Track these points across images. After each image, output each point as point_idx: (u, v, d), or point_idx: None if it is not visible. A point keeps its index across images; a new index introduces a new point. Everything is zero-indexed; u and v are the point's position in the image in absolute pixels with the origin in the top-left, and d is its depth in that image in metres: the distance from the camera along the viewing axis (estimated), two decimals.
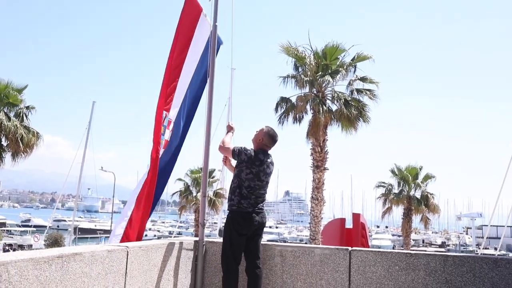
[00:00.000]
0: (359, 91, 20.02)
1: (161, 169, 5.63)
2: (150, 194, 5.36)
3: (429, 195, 27.81)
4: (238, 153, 4.74)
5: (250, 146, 4.96)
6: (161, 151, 5.52)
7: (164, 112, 5.39)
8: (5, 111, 21.71)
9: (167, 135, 5.60)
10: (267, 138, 4.89)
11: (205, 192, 5.38)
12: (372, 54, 20.03)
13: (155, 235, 54.83)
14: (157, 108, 5.29)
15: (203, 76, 5.88)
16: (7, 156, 21.79)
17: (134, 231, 5.26)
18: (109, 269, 3.75)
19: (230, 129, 5.29)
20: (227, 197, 4.87)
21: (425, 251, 27.81)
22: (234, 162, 4.98)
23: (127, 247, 4.05)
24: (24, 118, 22.21)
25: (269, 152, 4.96)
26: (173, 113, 5.66)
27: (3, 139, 21.50)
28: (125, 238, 5.17)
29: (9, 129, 20.81)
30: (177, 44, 5.48)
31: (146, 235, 59.43)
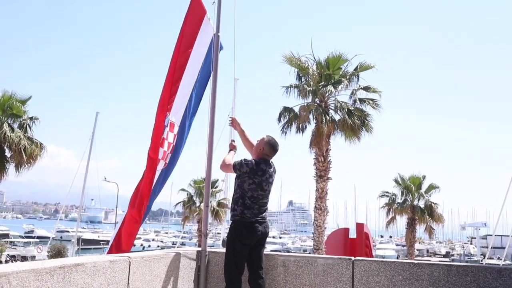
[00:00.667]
0: (362, 100, 20.04)
1: (164, 172, 5.65)
2: (145, 196, 5.34)
3: (433, 204, 27.70)
4: (239, 166, 4.73)
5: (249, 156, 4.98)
6: (167, 154, 5.54)
7: (166, 113, 5.40)
8: (9, 122, 21.80)
9: (170, 137, 5.60)
10: (268, 148, 4.90)
11: (207, 202, 5.38)
12: (375, 63, 20.09)
13: (158, 246, 54.71)
14: (158, 106, 5.28)
15: (203, 81, 5.90)
16: (11, 167, 21.84)
17: (126, 236, 5.25)
18: (111, 280, 3.74)
19: (232, 147, 5.30)
20: (230, 208, 4.86)
21: (429, 261, 27.61)
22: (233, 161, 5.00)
23: (129, 257, 4.04)
24: (28, 129, 22.28)
25: (271, 160, 4.96)
26: (177, 117, 5.66)
27: (6, 150, 21.56)
28: (115, 244, 5.18)
29: (12, 140, 20.87)
30: (181, 43, 5.50)
31: (149, 246, 59.67)
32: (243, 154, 5.25)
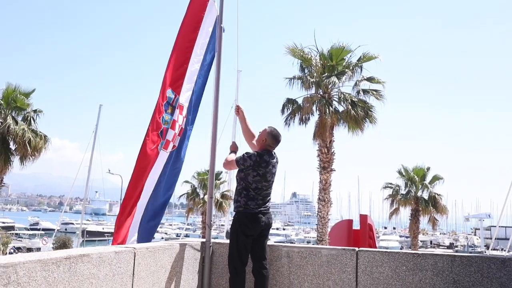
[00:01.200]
0: (365, 91, 19.98)
1: (175, 156, 5.65)
2: (140, 179, 5.27)
3: (436, 196, 27.63)
4: (242, 161, 4.74)
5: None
6: (176, 137, 5.55)
7: (173, 92, 5.39)
8: (13, 115, 21.84)
9: (180, 120, 5.59)
10: (270, 139, 4.90)
11: (211, 194, 5.40)
12: (379, 54, 20.00)
13: (162, 237, 54.90)
14: (161, 87, 5.26)
15: (208, 64, 5.87)
16: (15, 160, 21.91)
17: (120, 230, 5.21)
18: (117, 271, 3.76)
19: (234, 148, 5.28)
20: (233, 199, 4.87)
21: (433, 252, 27.63)
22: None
23: (134, 248, 4.06)
24: (32, 121, 22.30)
25: (273, 151, 4.96)
26: (184, 98, 5.66)
27: (11, 143, 21.62)
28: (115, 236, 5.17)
29: (16, 133, 20.91)
30: (186, 26, 5.49)
31: (153, 238, 59.64)
32: (245, 149, 5.25)
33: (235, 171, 5.01)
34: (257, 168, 4.69)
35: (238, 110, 5.38)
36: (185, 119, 5.68)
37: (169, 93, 5.34)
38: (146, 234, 5.59)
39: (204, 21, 5.72)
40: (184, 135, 5.73)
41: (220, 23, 5.57)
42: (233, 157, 5.05)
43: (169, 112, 5.36)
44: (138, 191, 5.27)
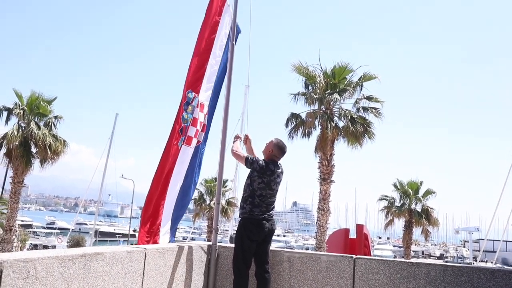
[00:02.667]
0: (365, 109, 19.96)
1: (199, 149, 5.68)
2: (167, 177, 5.28)
3: (429, 209, 27.44)
4: (251, 162, 4.74)
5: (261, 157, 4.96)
6: (199, 132, 5.58)
7: (192, 93, 5.41)
8: (36, 120, 21.96)
9: (201, 117, 5.62)
10: (276, 149, 4.89)
11: (219, 200, 5.38)
12: (378, 74, 20.02)
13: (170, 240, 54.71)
14: (183, 88, 5.30)
15: (224, 65, 5.88)
16: (36, 162, 21.98)
17: (145, 231, 5.21)
18: (128, 269, 3.75)
19: (237, 137, 5.29)
20: (239, 206, 4.86)
21: (426, 261, 27.37)
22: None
23: (145, 248, 4.05)
24: (53, 127, 22.41)
25: (279, 162, 4.95)
26: (205, 97, 5.69)
27: (32, 147, 21.73)
28: (139, 241, 5.16)
29: (38, 137, 21.01)
30: (206, 29, 5.52)
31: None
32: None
33: (240, 178, 5.01)
34: (262, 175, 4.68)
35: (246, 140, 5.33)
36: (206, 116, 5.72)
37: (189, 93, 5.37)
38: (174, 224, 5.67)
39: (221, 24, 5.75)
40: (207, 130, 5.79)
41: (232, 40, 5.59)
42: (240, 147, 5.05)
43: (189, 111, 5.39)
44: (161, 188, 5.27)
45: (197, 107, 5.47)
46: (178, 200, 5.55)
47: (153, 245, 4.56)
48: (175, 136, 5.27)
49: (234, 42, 5.58)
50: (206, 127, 5.76)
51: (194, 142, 5.56)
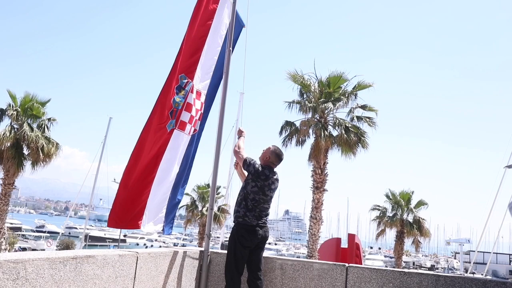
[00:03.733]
0: (359, 118, 20.02)
1: (196, 137, 5.63)
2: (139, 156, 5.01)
3: (421, 219, 27.52)
4: (248, 163, 4.76)
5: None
6: (195, 120, 5.53)
7: (186, 77, 5.36)
8: (29, 122, 21.83)
9: (197, 104, 5.58)
10: (273, 156, 4.90)
11: (212, 205, 5.36)
12: (373, 82, 20.11)
13: (160, 246, 54.46)
14: (170, 73, 5.16)
15: (220, 62, 5.83)
16: (27, 165, 21.83)
17: (117, 214, 4.98)
18: (119, 273, 3.71)
19: (240, 133, 5.29)
20: (233, 210, 4.84)
21: (418, 271, 27.41)
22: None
23: (137, 253, 4.02)
24: (46, 129, 22.30)
25: (275, 169, 4.95)
26: (203, 86, 5.66)
27: (24, 148, 21.58)
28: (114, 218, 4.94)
29: (31, 139, 20.89)
30: (199, 16, 5.43)
31: (152, 246, 59.33)
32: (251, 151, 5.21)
33: (234, 185, 5.00)
34: (256, 178, 4.69)
35: (237, 166, 5.25)
36: (203, 105, 5.69)
37: (182, 77, 5.32)
38: (170, 218, 5.56)
39: (219, 13, 5.68)
40: (203, 120, 5.76)
41: (229, 46, 5.59)
42: (243, 144, 5.07)
43: (181, 95, 5.33)
44: (145, 171, 5.07)
45: (192, 92, 5.41)
46: (173, 189, 5.47)
47: (145, 249, 4.51)
48: (162, 118, 5.13)
49: (231, 48, 5.58)
50: (203, 116, 5.73)
51: (188, 128, 5.48)
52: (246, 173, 4.90)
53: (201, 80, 5.61)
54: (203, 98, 5.68)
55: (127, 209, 4.93)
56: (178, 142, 5.38)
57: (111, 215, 4.86)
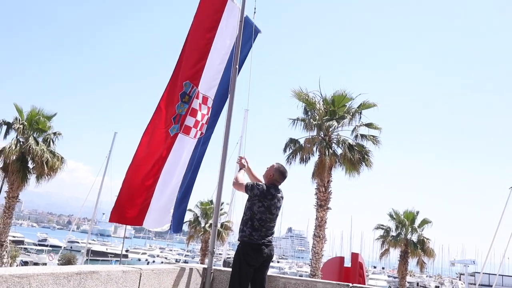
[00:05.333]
0: (363, 136, 20.04)
1: (202, 141, 5.65)
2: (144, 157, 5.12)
3: (425, 239, 27.31)
4: (251, 188, 4.74)
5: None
6: (201, 124, 5.58)
7: (191, 84, 5.41)
8: (34, 136, 21.97)
9: (204, 109, 5.63)
10: (277, 174, 4.90)
11: (216, 222, 5.36)
12: (377, 102, 20.19)
13: (162, 262, 54.09)
14: (171, 79, 5.22)
15: (227, 71, 5.86)
16: (32, 178, 21.89)
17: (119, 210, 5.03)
18: None
19: (242, 166, 5.30)
20: (239, 229, 4.82)
21: None
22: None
23: (140, 269, 4.01)
24: (51, 143, 22.41)
25: (280, 187, 4.95)
26: (211, 92, 5.71)
27: (29, 162, 21.67)
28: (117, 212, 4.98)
29: (36, 153, 20.99)
30: (200, 24, 5.47)
31: (154, 261, 58.96)
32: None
33: (237, 201, 5.00)
34: (262, 199, 4.68)
35: (241, 161, 5.30)
36: (210, 109, 5.75)
37: (186, 84, 5.38)
38: (178, 217, 5.63)
39: (224, 22, 5.70)
40: (211, 124, 5.82)
41: (236, 65, 5.64)
42: (243, 177, 5.05)
43: (185, 101, 5.40)
44: (148, 173, 5.15)
45: (197, 98, 5.49)
46: (180, 190, 5.55)
47: (149, 266, 4.50)
48: (165, 123, 5.23)
49: (237, 66, 5.63)
50: (210, 121, 5.77)
51: (193, 132, 5.56)
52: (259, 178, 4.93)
53: (207, 86, 5.69)
54: (210, 102, 5.75)
55: (129, 207, 5.07)
56: (183, 145, 5.50)
57: (113, 212, 4.98)
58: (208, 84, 5.69)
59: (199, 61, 5.52)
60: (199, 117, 5.56)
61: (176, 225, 5.66)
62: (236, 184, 4.97)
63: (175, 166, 5.42)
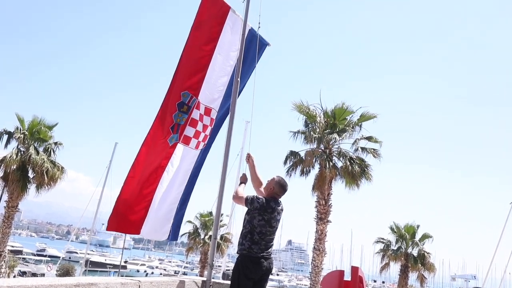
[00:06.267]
0: (363, 149, 20.04)
1: (202, 152, 5.66)
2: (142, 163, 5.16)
3: (425, 253, 27.15)
4: (251, 201, 4.73)
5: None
6: (204, 135, 5.60)
7: (189, 94, 5.43)
8: (35, 145, 21.97)
9: (206, 120, 5.65)
10: (278, 187, 4.90)
11: (216, 235, 5.35)
12: (378, 113, 20.23)
13: (161, 273, 53.75)
14: (170, 90, 5.25)
15: (242, 78, 5.87)
16: (32, 188, 21.85)
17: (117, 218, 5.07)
18: None
19: (243, 180, 5.30)
20: (238, 242, 4.80)
21: None
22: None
23: (139, 281, 3.99)
24: (52, 153, 22.40)
25: (279, 199, 4.94)
26: (215, 104, 5.76)
27: (30, 171, 21.65)
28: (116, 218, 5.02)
29: (36, 163, 20.97)
30: (198, 36, 5.50)
31: (152, 273, 58.57)
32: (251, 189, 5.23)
33: (236, 214, 5.00)
34: (262, 212, 4.67)
35: (249, 159, 5.34)
36: (214, 120, 5.76)
37: (185, 94, 5.41)
38: (176, 225, 5.67)
39: (227, 35, 5.74)
40: (213, 134, 5.88)
41: (237, 77, 5.66)
42: (243, 191, 5.05)
43: (183, 111, 5.41)
44: (145, 179, 5.19)
45: (197, 108, 5.51)
46: (181, 200, 5.57)
47: (147, 278, 4.49)
48: (163, 132, 5.27)
49: (239, 79, 5.66)
50: (212, 132, 5.80)
51: (194, 143, 5.61)
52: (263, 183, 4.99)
53: (211, 97, 5.71)
54: (214, 114, 5.78)
55: (126, 215, 5.09)
56: (183, 156, 5.51)
57: (110, 220, 5.00)
58: (211, 95, 5.73)
59: (198, 72, 5.56)
60: (199, 127, 5.59)
61: (173, 232, 5.68)
62: (236, 197, 4.97)
63: (175, 176, 5.44)
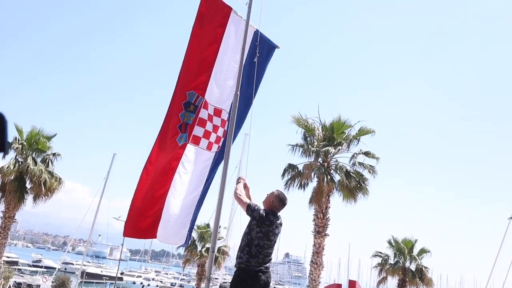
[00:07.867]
0: (360, 164, 20.09)
1: (217, 155, 5.62)
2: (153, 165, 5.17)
3: (423, 268, 27.03)
4: (252, 209, 4.71)
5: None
6: (216, 137, 5.57)
7: (195, 93, 5.41)
8: (33, 156, 21.93)
9: (216, 121, 5.61)
10: (277, 201, 4.89)
11: (214, 248, 5.32)
12: (375, 129, 20.31)
13: (157, 286, 53.36)
14: (176, 91, 5.27)
15: (250, 80, 5.84)
16: (29, 198, 21.77)
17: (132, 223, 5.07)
18: None
19: (239, 179, 5.26)
20: (236, 255, 4.79)
21: None
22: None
23: None
24: (50, 163, 22.37)
25: (279, 214, 4.93)
26: (225, 105, 5.73)
27: (27, 182, 21.59)
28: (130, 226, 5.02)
29: (34, 173, 20.92)
30: (200, 38, 5.49)
31: (149, 285, 58.12)
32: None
33: (234, 226, 4.97)
34: (261, 224, 4.65)
35: (239, 180, 5.28)
36: (227, 122, 5.72)
37: (190, 94, 5.40)
38: (190, 228, 5.65)
39: (232, 37, 5.72)
40: (226, 137, 5.82)
41: (237, 90, 5.67)
42: (243, 192, 5.01)
43: (190, 110, 5.40)
44: (156, 183, 5.17)
45: (204, 108, 5.50)
46: (197, 204, 5.53)
47: None
48: (171, 132, 5.26)
49: (238, 92, 5.66)
50: (227, 133, 5.74)
51: (205, 143, 5.57)
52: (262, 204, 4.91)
53: (220, 99, 5.69)
54: (225, 115, 5.73)
55: (141, 220, 5.09)
56: (196, 157, 5.46)
57: (126, 226, 5.01)
58: (220, 96, 5.71)
59: (203, 73, 5.56)
60: (209, 127, 5.56)
61: (188, 237, 5.68)
62: (239, 198, 4.91)
63: (190, 180, 5.40)
